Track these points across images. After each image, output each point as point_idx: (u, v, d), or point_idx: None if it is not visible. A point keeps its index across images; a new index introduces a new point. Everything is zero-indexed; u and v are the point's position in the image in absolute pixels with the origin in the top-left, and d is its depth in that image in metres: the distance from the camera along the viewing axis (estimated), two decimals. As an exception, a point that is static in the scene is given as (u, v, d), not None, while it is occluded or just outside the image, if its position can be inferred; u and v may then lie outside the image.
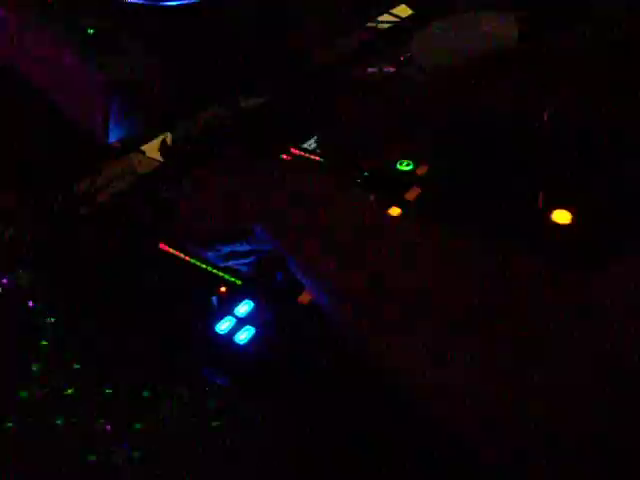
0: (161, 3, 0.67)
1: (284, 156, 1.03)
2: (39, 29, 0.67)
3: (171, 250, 0.84)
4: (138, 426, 0.62)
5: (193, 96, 0.78)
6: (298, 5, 0.88)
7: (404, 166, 0.99)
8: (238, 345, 0.67)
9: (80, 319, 0.76)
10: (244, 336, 0.68)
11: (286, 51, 0.86)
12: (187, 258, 0.81)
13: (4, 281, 0.72)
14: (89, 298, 0.77)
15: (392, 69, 1.22)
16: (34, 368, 0.67)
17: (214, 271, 0.79)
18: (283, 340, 0.66)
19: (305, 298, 0.72)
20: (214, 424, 0.61)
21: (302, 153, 1.03)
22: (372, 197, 0.89)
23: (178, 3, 0.67)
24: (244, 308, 0.71)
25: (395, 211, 0.89)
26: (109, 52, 0.63)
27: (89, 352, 0.72)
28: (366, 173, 0.98)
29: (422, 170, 0.98)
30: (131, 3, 0.67)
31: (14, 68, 0.72)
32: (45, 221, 0.82)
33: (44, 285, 0.75)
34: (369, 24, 1.20)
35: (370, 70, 1.26)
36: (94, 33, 0.64)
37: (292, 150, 1.04)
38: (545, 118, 0.97)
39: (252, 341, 0.67)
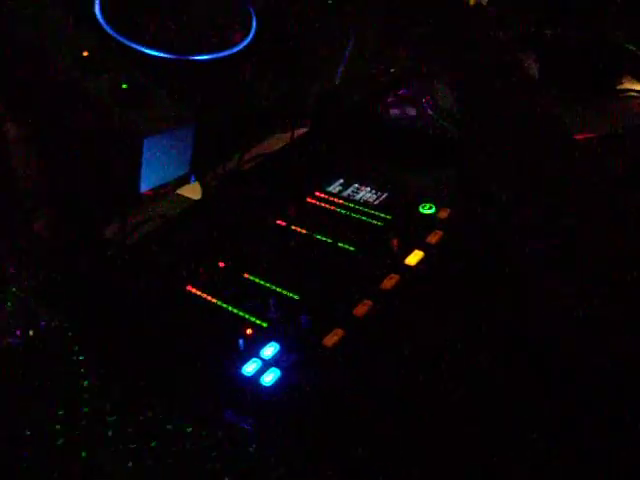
0: (192, 57, 0.70)
1: (308, 199, 1.05)
2: (74, 80, 0.70)
3: (198, 292, 0.86)
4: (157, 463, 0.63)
5: (221, 144, 0.80)
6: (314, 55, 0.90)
7: (426, 209, 1.01)
8: (264, 387, 0.68)
9: (108, 360, 0.77)
10: (269, 378, 0.69)
11: (305, 97, 0.89)
12: (213, 300, 0.83)
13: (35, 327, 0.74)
14: (117, 339, 0.79)
15: (413, 111, 1.24)
16: (63, 411, 0.68)
17: (240, 313, 0.80)
18: (309, 383, 0.67)
19: (330, 340, 0.73)
20: (236, 466, 0.62)
21: (327, 196, 1.05)
22: (395, 241, 0.91)
23: (209, 57, 0.70)
24: (270, 350, 0.73)
25: (417, 254, 0.90)
26: (141, 105, 0.65)
27: (112, 390, 0.73)
28: (389, 216, 1.00)
29: (444, 214, 0.99)
30: (162, 57, 0.70)
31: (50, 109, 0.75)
32: (76, 264, 0.84)
33: (74, 328, 0.77)
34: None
35: (393, 112, 1.28)
36: (127, 88, 0.66)
37: (317, 193, 1.06)
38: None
39: (278, 383, 0.68)
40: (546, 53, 1.39)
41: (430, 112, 1.22)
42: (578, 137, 1.12)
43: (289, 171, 1.02)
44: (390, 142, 1.22)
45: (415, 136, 1.20)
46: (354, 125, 1.17)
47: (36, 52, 0.71)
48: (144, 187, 0.70)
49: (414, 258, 0.88)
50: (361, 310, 0.75)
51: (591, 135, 1.11)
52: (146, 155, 0.65)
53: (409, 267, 0.86)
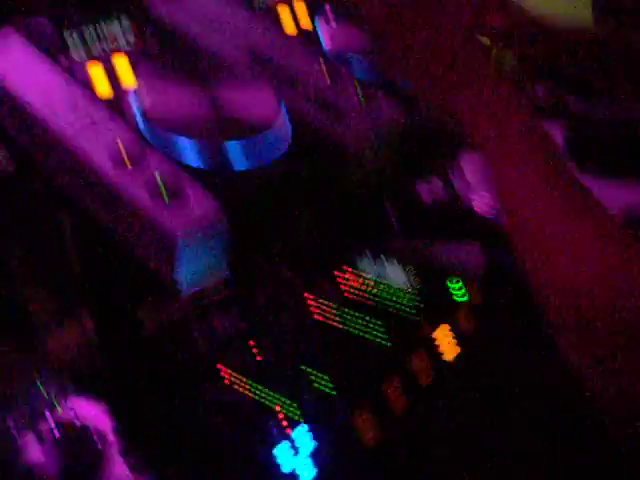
0: (229, 167, 0.72)
1: (337, 273, 1.07)
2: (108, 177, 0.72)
3: (229, 372, 0.86)
4: None
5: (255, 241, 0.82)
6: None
7: (454, 283, 1.01)
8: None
9: (144, 440, 0.78)
10: (306, 474, 0.69)
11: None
12: (245, 379, 0.84)
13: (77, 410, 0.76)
14: (151, 418, 0.80)
15: (440, 183, 1.26)
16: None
17: (271, 393, 0.81)
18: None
19: (369, 438, 0.73)
20: None
21: (355, 271, 1.06)
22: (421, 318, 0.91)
23: (247, 168, 0.72)
24: (302, 436, 0.73)
25: (444, 329, 0.91)
26: (176, 203, 0.67)
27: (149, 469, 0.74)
28: (417, 295, 1.00)
29: (474, 290, 1.00)
30: (200, 169, 0.72)
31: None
32: (110, 346, 0.85)
33: (112, 409, 0.78)
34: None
35: (420, 185, 1.30)
36: (162, 183, 0.69)
37: (345, 267, 1.07)
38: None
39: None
40: (572, 124, 1.40)
41: (457, 186, 1.23)
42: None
43: (319, 245, 1.03)
44: (418, 216, 1.23)
45: (442, 211, 1.21)
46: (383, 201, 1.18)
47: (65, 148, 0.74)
48: (183, 291, 0.71)
49: (451, 353, 0.87)
50: (399, 405, 0.75)
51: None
52: (181, 255, 0.67)
53: (447, 363, 0.86)
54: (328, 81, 0.88)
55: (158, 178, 0.72)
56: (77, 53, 0.85)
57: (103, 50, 0.86)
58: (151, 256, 0.75)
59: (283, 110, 0.80)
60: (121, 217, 0.76)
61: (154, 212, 0.71)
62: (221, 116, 0.77)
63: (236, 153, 0.78)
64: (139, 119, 0.77)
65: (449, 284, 1.01)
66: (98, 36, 0.89)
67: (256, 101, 0.81)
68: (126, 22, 0.94)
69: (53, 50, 0.86)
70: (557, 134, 1.31)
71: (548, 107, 1.77)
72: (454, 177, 1.28)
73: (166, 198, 0.71)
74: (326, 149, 0.83)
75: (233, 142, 0.76)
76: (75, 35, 0.88)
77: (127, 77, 0.82)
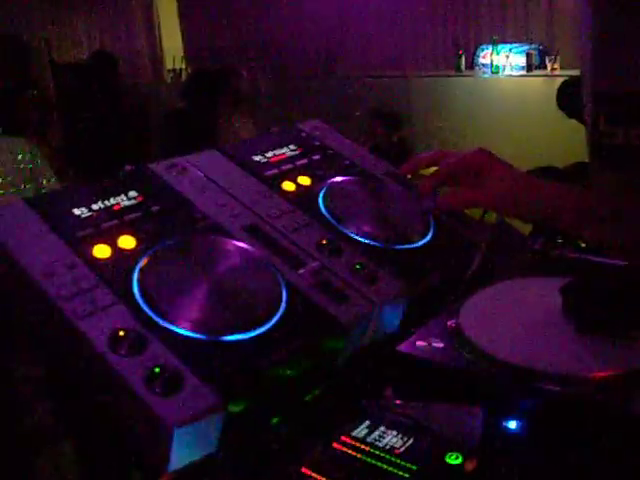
0: (223, 338, 0.73)
1: (334, 444, 1.05)
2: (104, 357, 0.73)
3: (314, 474, 0.85)
4: None
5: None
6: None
7: (453, 459, 1.00)
8: None
9: None
10: None
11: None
12: None
13: None
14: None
15: (440, 344, 1.26)
16: None
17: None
18: None
19: None
20: None
21: (353, 441, 1.05)
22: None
23: (240, 337, 0.73)
24: None
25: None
26: (172, 390, 0.68)
27: None
28: (414, 467, 0.99)
29: (471, 465, 0.98)
30: (192, 338, 0.73)
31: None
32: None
33: None
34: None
35: (419, 343, 1.30)
36: (160, 371, 0.69)
37: (343, 438, 1.06)
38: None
39: None
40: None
41: (458, 346, 1.23)
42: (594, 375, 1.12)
43: (316, 414, 1.03)
44: (417, 379, 1.22)
45: (442, 373, 1.21)
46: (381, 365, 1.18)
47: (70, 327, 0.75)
48: (172, 468, 0.71)
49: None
50: None
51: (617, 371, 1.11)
52: (175, 442, 0.67)
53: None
54: (327, 261, 0.90)
55: (156, 369, 0.73)
56: (85, 230, 0.88)
57: (110, 228, 0.88)
58: (144, 442, 0.75)
59: (284, 300, 0.81)
60: (116, 400, 0.76)
61: (150, 402, 0.71)
62: (222, 307, 0.78)
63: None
64: (141, 303, 0.78)
65: (448, 459, 0.99)
66: (107, 210, 0.92)
67: (258, 289, 0.83)
68: (134, 194, 0.97)
69: (62, 226, 0.88)
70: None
71: (547, 257, 1.80)
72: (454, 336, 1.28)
73: (163, 389, 0.71)
74: (321, 323, 0.84)
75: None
76: (85, 211, 0.91)
77: (133, 256, 0.84)
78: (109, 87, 5.60)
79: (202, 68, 7.38)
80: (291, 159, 1.07)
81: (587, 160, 1.53)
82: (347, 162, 1.11)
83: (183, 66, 9.29)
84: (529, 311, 1.33)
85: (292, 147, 1.09)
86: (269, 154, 1.07)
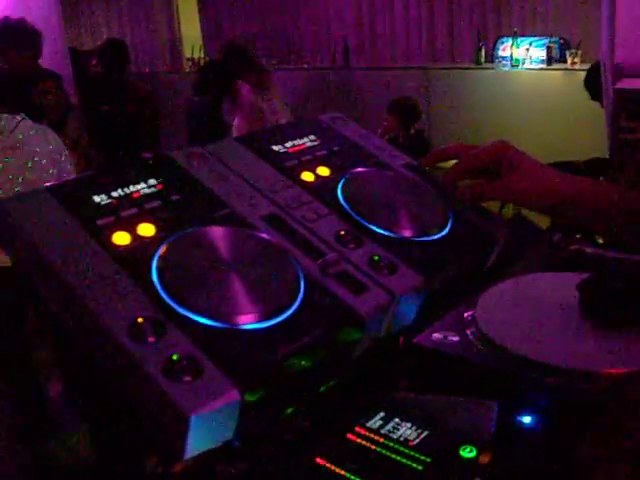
0: (241, 326, 0.73)
1: (349, 435, 1.06)
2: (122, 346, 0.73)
3: (328, 464, 0.86)
4: None
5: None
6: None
7: (467, 452, 1.00)
8: None
9: None
10: None
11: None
12: (343, 473, 0.82)
13: None
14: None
15: (456, 337, 1.26)
16: None
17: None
18: None
19: None
20: None
21: (367, 433, 1.05)
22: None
23: (258, 326, 0.73)
24: None
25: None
26: (189, 378, 0.68)
27: None
28: (429, 459, 0.99)
29: (485, 458, 0.98)
30: (210, 326, 0.73)
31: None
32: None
33: None
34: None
35: (435, 336, 1.30)
36: (177, 359, 0.70)
37: (357, 429, 1.07)
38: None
39: None
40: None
41: (474, 340, 1.23)
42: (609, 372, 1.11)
43: (331, 405, 1.03)
44: (432, 371, 1.23)
45: (457, 366, 1.21)
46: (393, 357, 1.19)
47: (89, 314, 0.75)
48: (187, 455, 0.71)
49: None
50: None
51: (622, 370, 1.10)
52: (192, 430, 0.68)
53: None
54: (345, 252, 0.90)
55: (174, 356, 0.73)
56: (105, 218, 0.88)
57: (129, 216, 0.89)
58: (160, 429, 0.75)
59: (302, 290, 0.81)
60: (133, 387, 0.77)
61: (167, 389, 0.71)
62: (240, 295, 0.78)
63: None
64: (160, 290, 0.79)
65: (461, 452, 0.99)
66: (127, 198, 0.93)
67: (276, 278, 0.83)
68: (153, 182, 0.97)
69: (83, 213, 0.89)
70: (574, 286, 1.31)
71: (564, 252, 1.79)
72: (470, 331, 1.28)
73: (181, 376, 0.72)
74: (338, 314, 0.84)
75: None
76: (104, 198, 0.91)
77: (152, 244, 0.84)
78: (119, 74, 5.62)
79: (214, 59, 7.41)
80: (310, 150, 1.07)
81: (605, 155, 1.52)
82: (366, 154, 1.10)
83: (202, 55, 9.29)
84: (546, 306, 1.33)
85: (311, 138, 1.09)
86: (288, 144, 1.07)
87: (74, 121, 4.82)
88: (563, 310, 1.29)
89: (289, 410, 0.96)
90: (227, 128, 5.32)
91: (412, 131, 6.12)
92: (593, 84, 4.42)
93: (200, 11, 10.46)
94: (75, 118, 4.82)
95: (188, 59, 9.89)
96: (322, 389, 0.95)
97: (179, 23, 10.61)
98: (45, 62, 4.82)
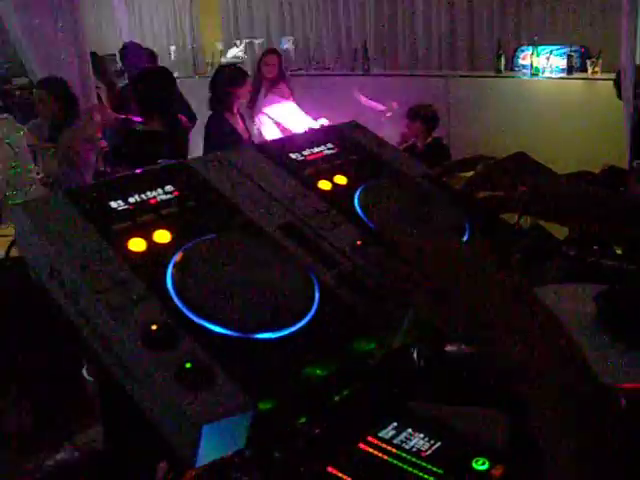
0: (255, 336, 0.73)
1: (361, 444, 1.05)
2: (137, 355, 0.73)
3: (339, 474, 0.86)
4: None
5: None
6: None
7: (480, 465, 0.99)
8: None
9: None
10: None
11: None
12: None
13: None
14: None
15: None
16: None
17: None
18: None
19: None
20: None
21: (379, 442, 1.05)
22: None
23: (272, 335, 0.73)
24: None
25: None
26: (202, 387, 0.68)
27: None
28: (441, 470, 0.99)
29: (498, 471, 0.98)
30: (224, 335, 0.73)
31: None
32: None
33: None
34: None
35: (449, 347, 1.29)
36: (191, 367, 0.70)
37: (369, 438, 1.06)
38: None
39: None
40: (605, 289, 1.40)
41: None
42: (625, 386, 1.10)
43: (344, 414, 1.03)
44: (446, 382, 1.22)
45: (471, 377, 1.20)
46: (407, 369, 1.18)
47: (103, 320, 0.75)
48: (199, 463, 0.71)
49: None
50: None
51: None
52: (203, 439, 0.68)
53: None
54: (361, 262, 0.89)
55: (187, 364, 0.73)
56: (121, 223, 0.88)
57: (146, 221, 0.89)
58: (172, 437, 0.75)
59: (316, 300, 0.81)
60: (146, 394, 0.77)
61: (179, 398, 0.71)
62: (255, 304, 0.78)
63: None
64: (175, 298, 0.79)
65: (474, 465, 0.99)
66: (143, 204, 0.93)
67: (291, 288, 0.83)
68: (170, 188, 0.98)
69: (99, 219, 0.89)
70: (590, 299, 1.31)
71: (579, 266, 1.78)
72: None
73: (194, 385, 0.72)
74: (352, 324, 0.84)
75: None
76: (121, 204, 0.92)
77: (168, 251, 0.85)
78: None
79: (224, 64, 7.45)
80: (328, 158, 1.07)
81: (622, 165, 1.50)
82: (384, 163, 1.10)
83: (222, 60, 9.33)
84: (562, 318, 1.31)
85: (329, 146, 1.09)
86: (306, 152, 1.07)
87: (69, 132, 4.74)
88: (579, 322, 1.28)
89: (302, 419, 0.95)
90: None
91: (430, 139, 6.11)
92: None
93: (221, 16, 10.52)
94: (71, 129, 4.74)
95: (207, 63, 9.95)
96: (336, 399, 0.94)
97: (199, 27, 10.68)
98: (66, 66, 4.86)
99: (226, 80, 5.58)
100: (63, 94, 4.80)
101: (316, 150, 1.10)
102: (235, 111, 5.67)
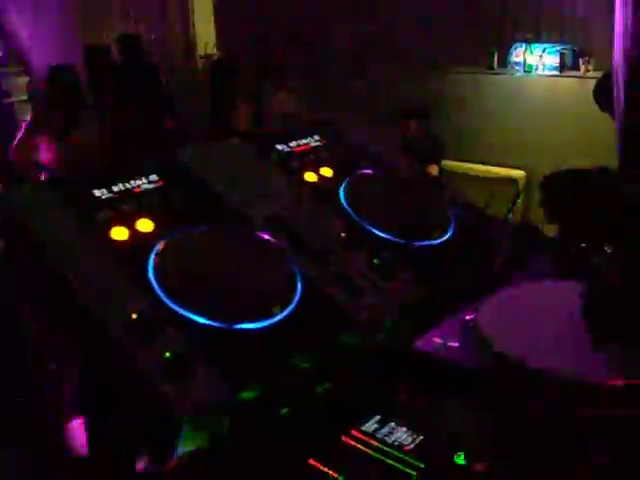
0: (236, 326, 0.73)
1: (343, 437, 1.05)
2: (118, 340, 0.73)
3: (321, 466, 0.85)
4: None
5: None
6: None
7: (461, 459, 0.99)
8: None
9: None
10: None
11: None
12: (336, 475, 0.82)
13: None
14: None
15: (456, 343, 1.25)
16: None
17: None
18: None
19: None
20: None
21: (362, 436, 1.05)
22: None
23: (254, 326, 0.73)
24: None
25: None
26: (180, 376, 0.68)
27: None
28: (422, 464, 0.98)
29: (480, 467, 0.98)
30: (205, 325, 0.73)
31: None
32: None
33: None
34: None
35: (435, 341, 1.29)
36: (171, 357, 0.69)
37: (353, 432, 1.06)
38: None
39: None
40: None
41: (473, 345, 1.22)
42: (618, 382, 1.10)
43: (327, 407, 1.03)
44: (430, 377, 1.22)
45: (456, 371, 1.20)
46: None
47: (85, 308, 0.75)
48: (179, 452, 0.71)
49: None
50: None
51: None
52: (184, 428, 0.67)
53: None
54: (345, 254, 0.89)
55: (168, 354, 0.73)
56: (104, 212, 0.88)
57: (129, 210, 0.89)
58: (153, 426, 0.75)
59: (299, 292, 0.81)
60: (127, 383, 0.77)
61: (160, 387, 0.71)
62: (236, 295, 0.78)
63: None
64: (156, 287, 0.78)
65: (456, 459, 0.99)
66: (127, 193, 0.93)
67: (273, 279, 0.82)
68: (154, 178, 0.97)
69: (82, 207, 0.88)
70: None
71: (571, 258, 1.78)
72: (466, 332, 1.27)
73: (174, 375, 0.71)
74: (335, 317, 0.84)
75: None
76: (105, 192, 0.91)
77: (150, 240, 0.84)
78: (133, 69, 5.58)
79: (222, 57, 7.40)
80: (314, 150, 1.07)
81: (613, 164, 1.51)
82: (371, 157, 1.10)
83: (215, 52, 9.29)
84: (548, 314, 1.32)
85: (316, 138, 1.09)
86: (293, 144, 1.07)
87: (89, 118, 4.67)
88: (565, 319, 1.28)
89: (284, 411, 0.95)
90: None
91: (424, 135, 6.11)
92: (604, 94, 4.29)
93: (215, 8, 10.48)
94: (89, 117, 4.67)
95: (201, 56, 9.90)
96: (318, 390, 0.94)
97: (193, 20, 10.63)
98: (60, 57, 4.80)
99: None
100: None
101: (302, 142, 1.10)
102: None
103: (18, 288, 0.88)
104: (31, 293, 0.89)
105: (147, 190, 0.90)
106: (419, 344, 1.25)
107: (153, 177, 0.93)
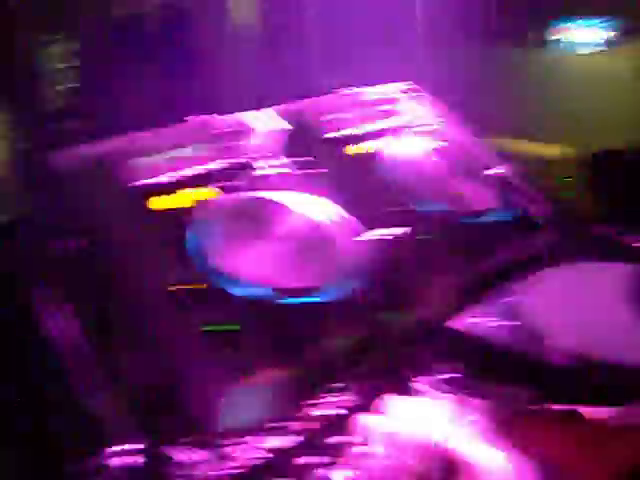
0: (281, 301, 0.71)
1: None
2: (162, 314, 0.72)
3: None
4: None
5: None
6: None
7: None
8: None
9: None
10: None
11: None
12: None
13: None
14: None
15: (493, 322, 1.23)
16: None
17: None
18: None
19: None
20: None
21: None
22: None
23: (297, 302, 0.71)
24: None
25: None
26: (225, 350, 0.67)
27: None
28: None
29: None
30: (247, 299, 0.71)
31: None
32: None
33: None
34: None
35: (470, 321, 1.27)
36: (212, 331, 0.68)
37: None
38: None
39: None
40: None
41: (511, 325, 1.21)
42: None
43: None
44: (465, 356, 1.20)
45: (492, 351, 1.18)
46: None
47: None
48: (219, 428, 0.70)
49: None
50: None
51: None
52: (225, 404, 0.66)
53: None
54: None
55: (211, 328, 0.72)
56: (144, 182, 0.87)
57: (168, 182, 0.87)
58: (195, 405, 0.74)
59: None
60: (169, 358, 0.76)
61: (202, 361, 0.70)
62: (280, 271, 0.76)
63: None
64: (198, 257, 0.77)
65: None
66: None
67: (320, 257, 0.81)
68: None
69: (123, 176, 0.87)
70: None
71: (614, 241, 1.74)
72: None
73: (216, 350, 0.70)
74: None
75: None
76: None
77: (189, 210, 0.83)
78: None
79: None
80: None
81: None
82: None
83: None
84: (590, 296, 1.29)
85: None
86: None
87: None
88: (608, 301, 1.26)
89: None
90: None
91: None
92: None
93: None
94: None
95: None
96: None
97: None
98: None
99: None
100: None
101: None
102: None
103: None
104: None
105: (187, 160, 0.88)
106: (454, 323, 1.24)
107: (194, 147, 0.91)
